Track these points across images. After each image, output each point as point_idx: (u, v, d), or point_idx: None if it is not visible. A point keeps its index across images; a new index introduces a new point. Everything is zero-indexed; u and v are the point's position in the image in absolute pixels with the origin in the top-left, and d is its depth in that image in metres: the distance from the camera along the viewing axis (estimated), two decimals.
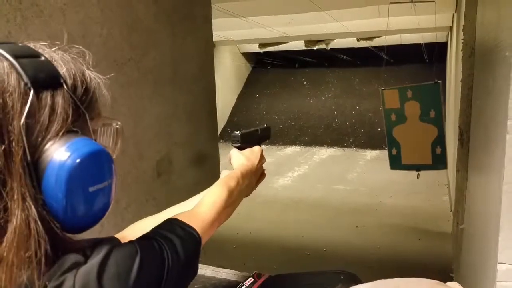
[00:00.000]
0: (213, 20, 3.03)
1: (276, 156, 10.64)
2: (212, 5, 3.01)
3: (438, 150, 4.29)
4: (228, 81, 13.46)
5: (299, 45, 11.57)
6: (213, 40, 10.23)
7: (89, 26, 1.76)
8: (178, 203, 1.17)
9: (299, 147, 11.88)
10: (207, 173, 2.76)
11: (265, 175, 1.28)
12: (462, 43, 3.08)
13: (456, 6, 5.74)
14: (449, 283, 0.96)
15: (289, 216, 5.95)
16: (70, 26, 1.65)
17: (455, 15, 6.33)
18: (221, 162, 3.08)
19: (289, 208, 6.36)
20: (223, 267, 1.65)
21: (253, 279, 1.41)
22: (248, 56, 14.71)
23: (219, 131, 12.10)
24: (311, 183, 7.89)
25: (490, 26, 1.89)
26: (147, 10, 2.15)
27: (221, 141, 10.48)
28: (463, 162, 2.80)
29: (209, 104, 2.92)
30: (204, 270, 1.60)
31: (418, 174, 4.46)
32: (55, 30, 1.57)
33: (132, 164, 2.05)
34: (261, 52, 12.96)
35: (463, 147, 2.87)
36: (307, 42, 11.07)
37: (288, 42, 11.05)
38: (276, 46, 11.74)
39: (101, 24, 1.82)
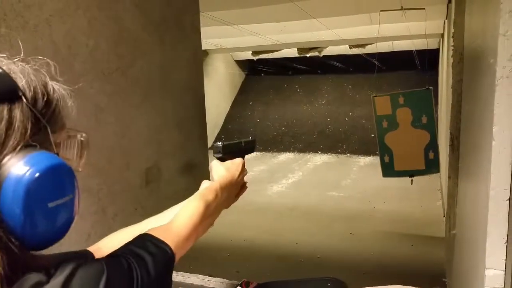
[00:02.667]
0: (205, 28, 3.04)
1: (270, 163, 10.64)
2: (204, 13, 3.02)
3: (431, 155, 4.32)
4: (221, 88, 13.48)
5: (292, 52, 11.63)
6: (206, 48, 10.17)
7: (75, 37, 1.75)
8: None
9: (293, 154, 11.90)
10: (197, 181, 2.72)
11: (246, 187, 1.24)
12: (452, 49, 3.10)
13: (447, 13, 5.79)
14: None
15: (283, 223, 5.94)
16: (56, 37, 1.65)
17: (446, 22, 6.38)
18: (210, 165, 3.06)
19: (283, 215, 6.35)
20: (212, 276, 1.65)
21: (241, 287, 1.40)
22: (242, 63, 14.75)
23: (212, 139, 12.11)
24: (305, 190, 7.89)
25: (477, 33, 1.91)
26: (134, 20, 2.15)
27: (213, 143, 10.46)
28: (454, 167, 2.81)
29: (199, 112, 2.91)
30: (192, 278, 1.60)
31: (412, 179, 4.48)
32: (40, 41, 1.57)
33: (120, 173, 2.04)
34: (255, 59, 13.01)
35: (454, 152, 2.88)
36: (300, 50, 11.12)
37: (281, 49, 11.09)
38: (269, 54, 11.79)
39: (88, 34, 1.82)
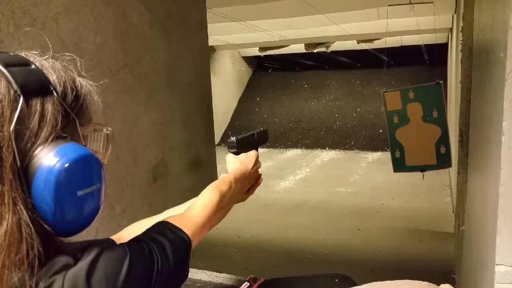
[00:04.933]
0: (212, 25, 3.04)
1: (277, 159, 10.63)
2: (211, 9, 3.02)
3: (443, 150, 4.28)
4: (229, 85, 13.48)
5: (299, 48, 11.59)
6: (213, 44, 10.19)
7: (82, 34, 1.76)
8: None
9: (300, 150, 11.88)
10: (204, 178, 2.76)
11: (262, 180, 1.27)
12: (461, 44, 3.08)
13: (456, 7, 5.74)
14: (442, 286, 0.95)
15: (291, 219, 5.94)
16: (63, 34, 1.66)
17: (455, 16, 6.33)
18: (219, 166, 3.08)
19: (290, 211, 6.35)
20: (220, 272, 1.65)
21: (249, 283, 1.41)
22: (249, 60, 14.72)
23: (220, 135, 12.13)
24: (313, 186, 7.88)
25: (486, 27, 1.89)
26: (141, 16, 2.15)
27: (222, 145, 10.49)
28: (463, 163, 2.80)
29: (206, 109, 2.92)
30: (200, 274, 1.60)
31: (423, 174, 4.46)
32: (48, 38, 1.57)
33: (127, 169, 2.05)
34: (262, 55, 12.98)
35: (463, 148, 2.86)
36: (307, 45, 11.08)
37: (288, 45, 11.06)
38: (276, 50, 11.76)
39: (95, 31, 1.83)
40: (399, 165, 4.53)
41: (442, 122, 4.24)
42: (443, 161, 4.30)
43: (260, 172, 1.26)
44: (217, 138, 11.01)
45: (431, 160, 4.33)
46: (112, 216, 1.88)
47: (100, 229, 1.72)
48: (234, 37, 9.64)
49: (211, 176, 2.87)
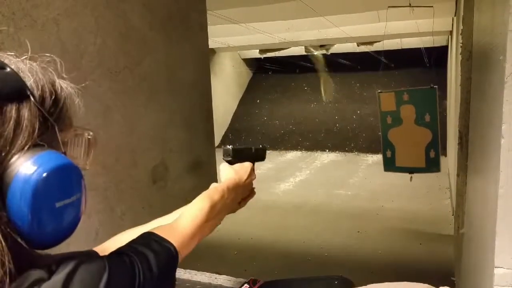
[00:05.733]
0: (213, 27, 3.05)
1: (277, 161, 10.63)
2: (211, 12, 3.03)
3: (432, 154, 4.34)
4: (229, 87, 13.49)
5: (300, 50, 11.60)
6: (214, 47, 10.19)
7: (83, 35, 1.76)
8: (174, 209, 1.15)
9: (300, 152, 11.88)
10: (204, 180, 2.76)
11: (254, 193, 1.24)
12: (460, 46, 3.08)
13: (456, 10, 5.75)
14: None
15: (290, 221, 5.93)
16: (63, 36, 1.66)
17: (455, 19, 6.34)
18: (218, 168, 3.07)
19: (290, 213, 6.35)
20: (219, 273, 1.65)
21: (248, 285, 1.41)
22: (249, 62, 14.74)
23: (220, 137, 12.13)
24: (313, 188, 7.88)
25: (486, 30, 1.89)
26: (141, 18, 2.16)
27: (222, 146, 10.47)
28: (463, 165, 2.79)
29: (206, 111, 2.92)
30: (200, 276, 1.60)
31: (411, 176, 4.52)
32: (48, 40, 1.58)
33: (127, 171, 2.05)
34: (262, 58, 13.00)
35: (462, 150, 2.86)
36: (307, 48, 11.09)
37: (288, 48, 11.07)
38: (276, 52, 11.77)
39: (95, 33, 1.83)
40: (389, 165, 4.59)
41: (433, 127, 4.28)
42: (432, 165, 4.35)
43: (253, 185, 1.23)
44: (217, 140, 11.01)
45: (420, 163, 4.38)
46: (112, 218, 1.88)
47: (100, 231, 1.72)
48: (235, 39, 9.65)
49: (211, 178, 2.87)
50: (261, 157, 1.34)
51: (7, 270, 0.59)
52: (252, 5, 5.77)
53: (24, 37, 1.48)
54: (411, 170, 4.47)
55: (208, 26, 3.02)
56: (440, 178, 6.81)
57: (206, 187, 1.05)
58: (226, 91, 13.13)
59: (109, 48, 1.93)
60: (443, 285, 1.01)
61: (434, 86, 4.24)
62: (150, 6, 2.23)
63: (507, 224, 1.35)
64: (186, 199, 1.15)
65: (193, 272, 1.63)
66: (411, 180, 4.50)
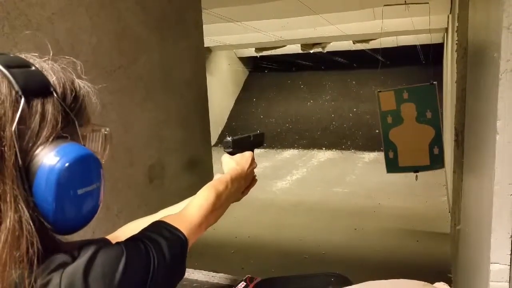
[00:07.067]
0: (208, 26, 3.04)
1: (274, 159, 10.63)
2: (207, 10, 3.02)
3: (436, 150, 4.30)
4: (225, 85, 13.47)
5: (296, 48, 11.59)
6: (210, 45, 10.15)
7: (78, 35, 1.76)
8: None
9: (297, 150, 11.88)
10: (200, 178, 2.76)
11: (256, 180, 1.29)
12: (456, 44, 3.09)
13: (451, 7, 5.76)
14: (436, 284, 0.96)
15: (288, 220, 5.94)
16: (58, 35, 1.66)
17: (450, 16, 6.35)
18: (215, 167, 3.08)
19: (287, 212, 6.35)
20: (216, 271, 1.65)
21: (245, 283, 1.41)
22: (245, 60, 14.72)
23: (216, 135, 12.11)
24: (310, 186, 7.89)
25: (481, 27, 1.90)
26: (136, 17, 2.15)
27: (219, 145, 10.48)
28: (459, 162, 2.80)
29: (202, 109, 2.92)
30: (197, 274, 1.60)
31: (417, 175, 4.46)
32: (43, 40, 1.57)
33: (123, 170, 2.05)
34: (258, 56, 12.98)
35: (458, 148, 2.87)
36: (303, 46, 11.09)
37: (284, 46, 11.07)
38: (272, 50, 11.76)
39: (90, 32, 1.83)
40: (392, 166, 4.53)
41: (435, 123, 4.25)
42: (435, 162, 4.31)
43: (255, 173, 1.26)
44: (214, 138, 11.00)
45: (424, 161, 4.34)
46: (108, 217, 1.88)
47: (96, 230, 1.72)
48: (230, 38, 9.63)
49: (207, 176, 2.87)
50: (260, 143, 1.39)
51: (35, 251, 0.64)
52: (247, 3, 5.76)
53: (19, 36, 1.48)
54: (415, 169, 4.42)
55: (204, 25, 3.02)
56: (437, 175, 6.83)
57: (202, 185, 1.06)
58: (222, 89, 13.11)
59: (104, 48, 1.92)
60: (439, 281, 1.02)
61: (434, 82, 4.22)
62: (145, 5, 2.23)
63: (502, 220, 1.35)
64: (183, 198, 1.15)
65: (190, 270, 1.63)
66: (416, 179, 4.43)
